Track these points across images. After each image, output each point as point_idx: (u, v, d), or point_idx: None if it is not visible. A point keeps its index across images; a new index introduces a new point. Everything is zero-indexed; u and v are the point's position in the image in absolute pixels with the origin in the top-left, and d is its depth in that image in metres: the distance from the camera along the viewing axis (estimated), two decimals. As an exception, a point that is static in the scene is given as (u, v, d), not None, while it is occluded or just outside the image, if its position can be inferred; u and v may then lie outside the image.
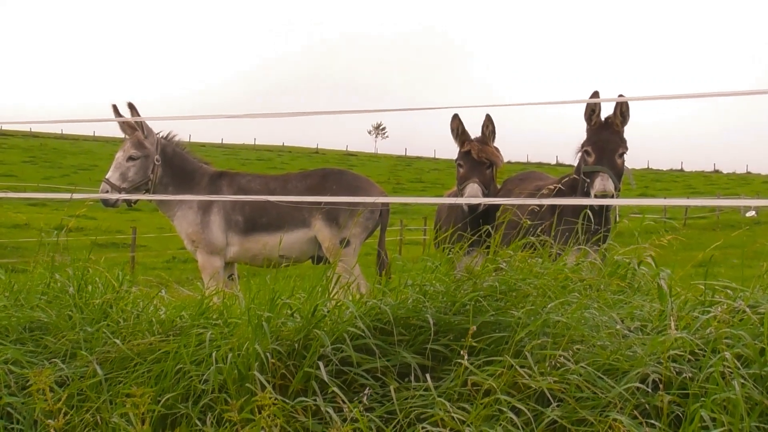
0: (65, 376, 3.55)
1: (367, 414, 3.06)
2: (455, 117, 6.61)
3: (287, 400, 3.16)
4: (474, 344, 3.22)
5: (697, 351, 3.07)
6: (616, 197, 5.40)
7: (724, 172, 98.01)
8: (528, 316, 3.36)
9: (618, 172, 5.45)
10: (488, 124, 6.51)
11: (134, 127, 7.33)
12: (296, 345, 3.43)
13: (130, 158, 7.25)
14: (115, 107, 7.25)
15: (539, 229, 4.91)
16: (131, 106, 7.17)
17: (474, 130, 6.55)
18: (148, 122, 7.37)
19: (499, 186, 6.93)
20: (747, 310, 3.24)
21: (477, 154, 6.38)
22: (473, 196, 6.08)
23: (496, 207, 6.12)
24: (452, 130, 6.63)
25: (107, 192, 7.10)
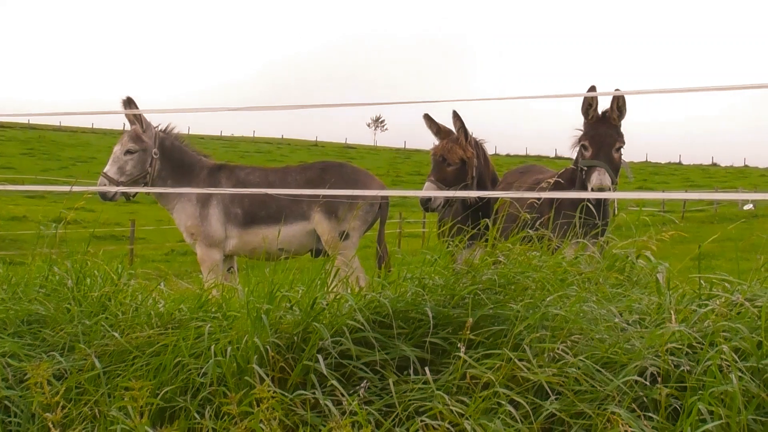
0: (63, 369, 3.55)
1: (366, 407, 3.07)
2: (425, 117, 6.67)
3: (286, 393, 3.16)
4: (473, 337, 3.23)
5: (695, 344, 3.07)
6: (614, 191, 5.40)
7: (722, 165, 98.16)
8: (527, 310, 3.36)
9: (615, 166, 5.46)
10: (455, 121, 6.57)
11: (132, 121, 7.32)
12: (295, 338, 3.43)
13: (128, 152, 7.24)
14: (128, 99, 7.20)
15: (538, 223, 4.92)
16: (130, 100, 7.16)
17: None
18: (147, 115, 7.36)
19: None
20: (745, 303, 3.24)
21: (432, 153, 6.53)
22: (425, 195, 6.29)
23: (495, 200, 6.15)
24: (429, 130, 6.72)
25: (105, 186, 7.09)
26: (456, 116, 6.54)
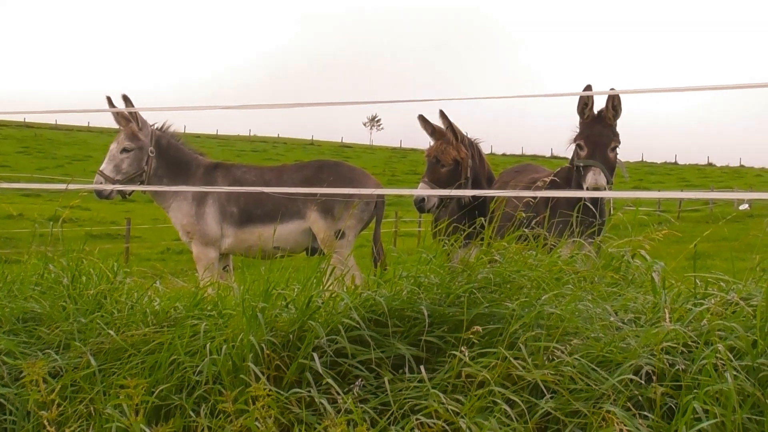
0: (59, 367, 3.55)
1: (361, 405, 3.07)
2: (420, 117, 6.68)
3: (281, 392, 3.16)
4: (468, 336, 3.23)
5: (690, 343, 3.08)
6: (609, 190, 5.40)
7: (718, 165, 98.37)
8: (522, 308, 3.36)
9: (610, 166, 5.45)
10: (443, 121, 6.60)
11: (128, 119, 7.31)
12: (291, 336, 3.43)
13: (124, 150, 7.24)
14: (109, 99, 7.23)
15: (534, 222, 4.92)
16: (125, 98, 7.16)
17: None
18: (142, 113, 7.36)
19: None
20: (740, 302, 3.25)
21: (426, 154, 6.56)
22: (418, 194, 6.33)
23: (491, 199, 6.15)
24: (424, 131, 6.73)
25: (101, 184, 7.09)
26: (443, 116, 6.56)
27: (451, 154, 6.50)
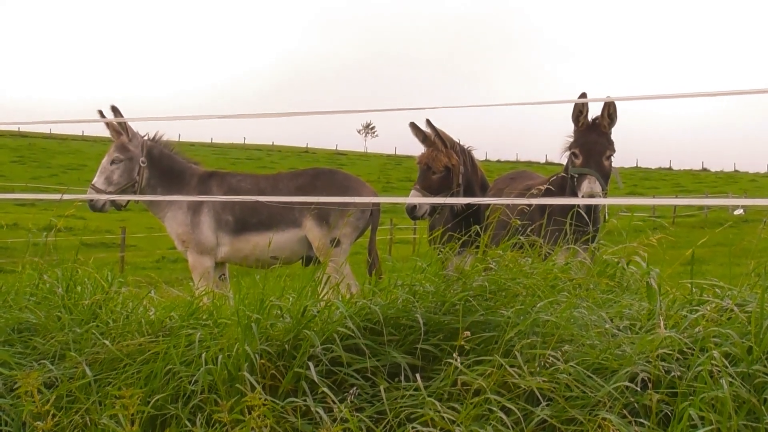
0: (54, 377, 3.54)
1: (357, 414, 3.07)
2: (411, 125, 6.67)
3: (277, 401, 3.16)
4: (464, 344, 3.23)
5: (685, 350, 3.08)
6: (604, 198, 5.40)
7: (712, 170, 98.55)
8: (517, 316, 3.36)
9: (605, 174, 5.45)
10: (430, 129, 6.60)
11: (119, 131, 7.33)
12: (286, 345, 3.43)
13: (114, 161, 7.25)
14: (100, 112, 7.23)
15: (529, 229, 4.92)
16: (114, 109, 7.16)
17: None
18: (137, 123, 7.36)
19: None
20: (735, 308, 3.25)
21: (418, 161, 6.56)
22: (410, 201, 6.28)
23: (486, 206, 6.15)
24: (416, 138, 6.72)
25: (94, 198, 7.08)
26: (429, 124, 6.56)
27: (443, 161, 6.50)
